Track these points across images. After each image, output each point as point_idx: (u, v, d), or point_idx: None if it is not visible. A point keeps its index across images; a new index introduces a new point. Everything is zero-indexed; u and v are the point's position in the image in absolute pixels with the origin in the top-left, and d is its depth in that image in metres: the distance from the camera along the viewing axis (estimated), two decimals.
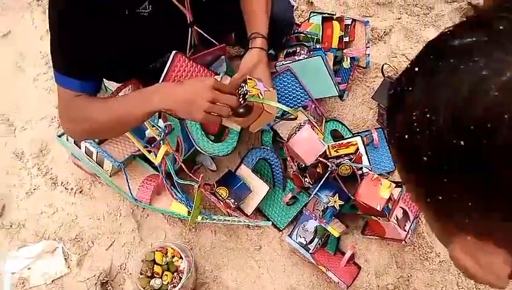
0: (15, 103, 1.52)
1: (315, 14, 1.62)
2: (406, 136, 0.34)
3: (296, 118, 1.27)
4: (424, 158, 0.33)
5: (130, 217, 1.37)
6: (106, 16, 0.95)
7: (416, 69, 0.35)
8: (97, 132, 1.08)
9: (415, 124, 0.33)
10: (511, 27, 0.31)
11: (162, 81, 1.10)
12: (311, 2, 1.73)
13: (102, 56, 1.00)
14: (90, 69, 1.00)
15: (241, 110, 1.04)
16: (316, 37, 1.46)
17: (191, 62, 1.14)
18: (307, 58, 1.30)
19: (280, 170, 1.35)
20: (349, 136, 1.42)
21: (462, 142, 0.30)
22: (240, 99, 1.04)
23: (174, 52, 1.10)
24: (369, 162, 1.36)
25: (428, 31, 1.72)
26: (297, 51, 1.35)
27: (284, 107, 1.10)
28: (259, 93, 1.05)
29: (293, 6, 1.47)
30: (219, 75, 1.19)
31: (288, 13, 1.37)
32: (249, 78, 1.07)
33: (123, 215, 1.37)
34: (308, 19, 1.61)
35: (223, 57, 1.40)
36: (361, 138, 1.36)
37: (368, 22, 1.41)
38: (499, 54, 0.30)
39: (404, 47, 1.67)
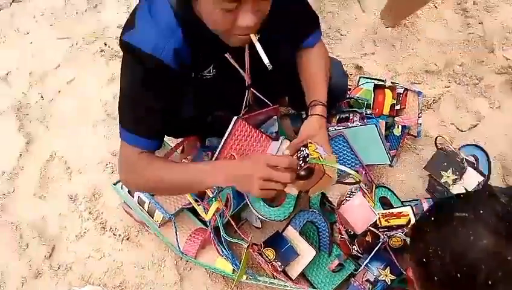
0: (74, 147, 1.59)
1: (364, 78, 1.66)
2: (424, 259, 0.68)
3: (359, 182, 1.25)
4: (433, 272, 0.66)
5: (174, 269, 1.38)
6: (177, 80, 1.01)
7: (432, 219, 0.71)
8: (155, 189, 1.12)
9: (431, 254, 0.66)
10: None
11: (223, 144, 1.13)
12: (360, 67, 1.78)
13: (171, 116, 1.05)
14: (159, 128, 1.05)
15: (302, 172, 1.05)
16: (366, 102, 1.49)
17: (251, 127, 1.18)
18: (360, 125, 1.32)
19: (327, 234, 1.34)
20: (399, 204, 1.41)
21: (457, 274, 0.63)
22: (301, 162, 1.04)
23: (235, 117, 1.15)
24: None
25: (478, 101, 1.73)
26: (351, 117, 1.37)
27: (349, 170, 1.07)
28: (320, 157, 1.06)
29: (347, 74, 1.51)
30: (278, 139, 1.22)
31: (343, 80, 1.41)
32: (309, 142, 1.09)
33: (167, 267, 1.38)
34: (358, 83, 1.66)
35: (274, 117, 1.44)
36: (412, 207, 1.35)
37: (421, 92, 1.43)
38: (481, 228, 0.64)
39: (453, 116, 1.68)
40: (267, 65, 0.92)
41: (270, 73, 1.25)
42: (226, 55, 1.04)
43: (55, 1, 2.03)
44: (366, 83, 1.63)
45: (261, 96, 1.27)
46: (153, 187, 1.08)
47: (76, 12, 2.00)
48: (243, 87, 1.21)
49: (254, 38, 0.89)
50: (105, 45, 1.89)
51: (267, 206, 1.25)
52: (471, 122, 1.66)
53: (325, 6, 1.91)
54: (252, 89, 1.23)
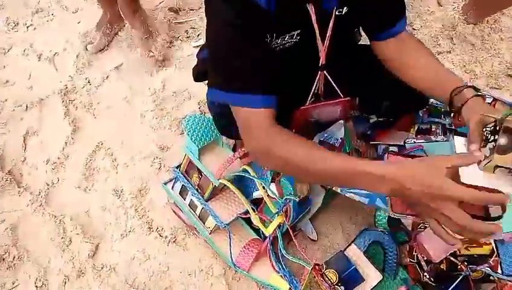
0: (120, 137, 1.50)
1: None
2: None
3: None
4: None
5: (222, 279, 1.28)
6: (264, 32, 0.90)
7: None
8: (289, 171, 0.94)
9: None
10: None
11: None
12: None
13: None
14: (267, 79, 0.88)
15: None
16: (445, 109, 1.33)
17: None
18: (445, 140, 1.16)
19: (395, 256, 1.21)
20: None
21: None
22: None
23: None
24: (500, 261, 1.18)
25: None
26: (433, 129, 1.22)
27: None
28: None
29: None
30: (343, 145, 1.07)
31: None
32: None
33: (215, 275, 1.29)
34: None
35: (341, 121, 1.30)
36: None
37: None
38: None
39: None
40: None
41: (346, 63, 1.12)
42: (310, 8, 0.90)
43: None
44: None
45: (333, 83, 1.11)
46: (290, 169, 0.87)
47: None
48: (315, 69, 1.07)
49: None
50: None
51: None
52: None
53: None
54: (324, 72, 1.07)
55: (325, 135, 1.32)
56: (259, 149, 0.86)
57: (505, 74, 1.58)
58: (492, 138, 0.78)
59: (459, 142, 0.95)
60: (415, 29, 1.66)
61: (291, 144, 0.82)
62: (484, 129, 0.81)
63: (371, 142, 1.38)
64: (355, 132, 1.43)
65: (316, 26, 0.95)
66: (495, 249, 1.14)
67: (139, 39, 1.63)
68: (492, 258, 1.11)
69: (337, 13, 0.97)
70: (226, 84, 0.87)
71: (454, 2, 1.69)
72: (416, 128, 1.26)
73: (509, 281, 1.10)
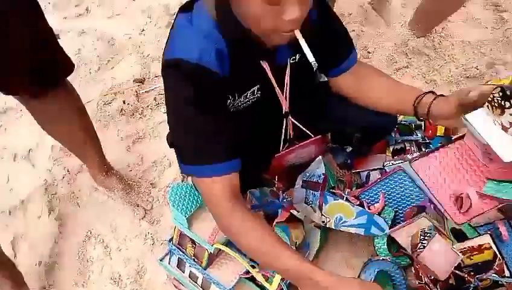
0: (108, 221, 1.49)
1: None
2: None
3: None
4: None
5: None
6: (223, 98, 0.94)
7: None
8: (249, 254, 0.96)
9: None
10: None
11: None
12: None
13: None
14: (230, 144, 0.90)
15: None
16: (414, 124, 1.36)
17: None
18: (419, 158, 1.18)
19: (403, 282, 1.20)
20: (473, 233, 1.26)
21: None
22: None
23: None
24: (505, 262, 1.18)
25: None
26: (408, 148, 1.24)
27: None
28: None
29: None
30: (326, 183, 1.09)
31: None
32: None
33: None
34: None
35: (319, 157, 1.32)
36: (491, 236, 1.20)
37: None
38: None
39: None
40: (312, 64, 0.82)
41: (309, 103, 1.16)
42: (264, 64, 0.94)
43: None
44: None
45: (301, 126, 1.17)
46: (244, 249, 0.90)
47: (90, 72, 1.93)
48: (281, 117, 1.12)
49: (299, 34, 0.80)
50: (124, 102, 1.81)
51: None
52: None
53: (348, 26, 1.79)
54: (290, 117, 1.12)
55: (307, 174, 1.34)
56: (220, 226, 0.91)
57: (464, 77, 1.64)
58: (508, 104, 0.82)
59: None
60: (370, 52, 1.72)
61: (247, 230, 0.85)
62: (491, 97, 0.83)
63: (353, 171, 1.40)
64: (336, 162, 1.45)
65: (272, 79, 0.99)
66: (497, 252, 1.15)
67: (121, 198, 1.52)
68: (496, 263, 1.11)
69: (291, 61, 1.02)
70: (188, 158, 0.89)
71: (400, 21, 1.77)
72: (391, 150, 1.29)
73: None
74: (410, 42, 1.66)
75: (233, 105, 0.99)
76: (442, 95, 0.96)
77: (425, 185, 1.12)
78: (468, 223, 1.29)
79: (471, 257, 1.15)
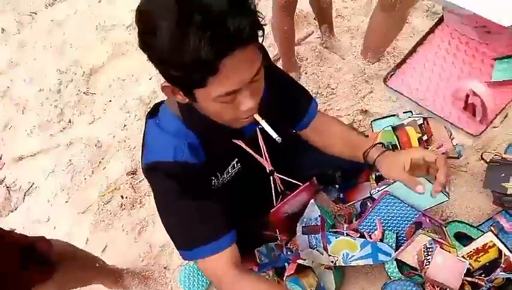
0: None
1: (376, 121, 1.61)
2: None
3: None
4: None
5: None
6: (206, 182, 1.01)
7: None
8: None
9: None
10: None
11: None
12: (366, 110, 1.73)
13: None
14: (222, 221, 0.96)
15: None
16: (391, 144, 1.42)
17: None
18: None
19: None
20: (475, 232, 1.29)
21: None
22: None
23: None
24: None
25: None
26: None
27: None
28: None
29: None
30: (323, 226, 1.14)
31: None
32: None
33: None
34: (372, 129, 1.60)
35: (312, 201, 1.37)
36: (492, 232, 1.23)
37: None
38: None
39: None
40: (276, 139, 0.89)
41: (290, 155, 1.23)
42: (237, 141, 1.02)
43: (62, 178, 2.07)
44: (380, 125, 1.58)
45: (287, 178, 1.24)
46: None
47: (85, 178, 2.03)
48: (267, 176, 1.18)
49: (258, 117, 0.88)
50: (122, 197, 1.89)
51: None
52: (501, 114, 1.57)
53: (306, 69, 1.91)
54: (276, 174, 1.19)
55: (305, 220, 1.39)
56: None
57: None
58: None
59: None
60: (333, 88, 1.83)
61: None
62: None
63: (346, 205, 1.45)
64: (331, 199, 1.50)
65: (249, 150, 1.07)
66: (501, 248, 1.17)
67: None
68: (503, 259, 1.13)
69: (259, 127, 1.10)
70: (184, 244, 0.95)
71: (353, 52, 1.88)
72: (374, 177, 1.34)
73: None
74: (367, 70, 1.77)
75: (219, 182, 1.07)
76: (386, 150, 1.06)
77: (413, 100, 0.97)
78: (470, 225, 1.33)
79: (478, 259, 1.17)
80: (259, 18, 0.74)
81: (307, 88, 1.82)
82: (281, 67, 1.95)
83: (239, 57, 0.70)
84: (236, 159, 1.08)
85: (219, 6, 0.67)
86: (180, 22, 0.67)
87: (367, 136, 1.55)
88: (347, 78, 1.82)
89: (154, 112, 1.00)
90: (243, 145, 1.04)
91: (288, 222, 1.40)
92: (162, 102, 1.01)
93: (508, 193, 1.25)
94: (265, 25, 0.75)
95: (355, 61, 1.83)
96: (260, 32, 0.74)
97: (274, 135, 0.89)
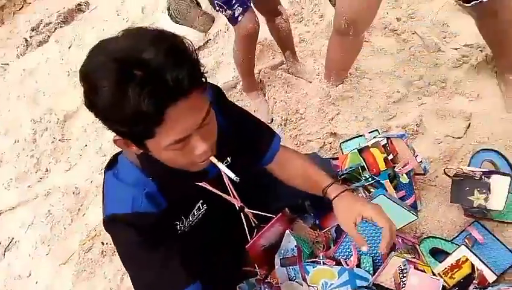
0: None
1: (345, 143, 1.63)
2: None
3: None
4: None
5: None
6: (169, 229, 1.00)
7: None
8: None
9: None
10: None
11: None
12: (334, 133, 1.75)
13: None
14: (183, 272, 0.96)
15: None
16: (360, 167, 1.44)
17: None
18: (370, 201, 1.25)
19: None
20: (450, 246, 1.30)
21: None
22: None
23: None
24: (487, 266, 1.20)
25: (456, 101, 1.69)
26: (359, 195, 1.31)
27: None
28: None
29: (329, 159, 1.49)
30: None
31: (326, 166, 1.37)
32: None
33: None
34: (342, 151, 1.62)
35: (287, 231, 1.37)
36: (466, 245, 1.23)
37: (402, 135, 1.38)
38: None
39: (443, 128, 1.62)
40: (234, 179, 0.90)
41: (258, 190, 1.24)
42: (201, 183, 1.02)
43: (42, 230, 2.05)
44: (348, 147, 1.60)
45: (259, 212, 1.24)
46: None
47: (64, 228, 2.02)
48: (237, 213, 1.19)
49: (214, 159, 0.89)
50: (103, 244, 1.87)
51: None
52: (463, 124, 1.60)
53: (276, 96, 1.93)
54: (246, 210, 1.20)
55: (282, 252, 1.38)
56: None
57: (391, 103, 1.75)
58: None
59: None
60: (301, 114, 1.85)
61: None
62: None
63: (323, 231, 1.45)
64: (308, 226, 1.50)
65: (214, 190, 1.06)
66: (474, 263, 1.18)
67: None
68: (476, 274, 1.14)
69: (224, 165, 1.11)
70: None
71: (317, 75, 1.92)
72: None
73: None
74: (332, 92, 1.80)
75: (185, 226, 1.06)
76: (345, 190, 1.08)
77: None
78: (444, 239, 1.33)
79: (453, 276, 1.18)
80: (201, 67, 0.76)
81: (276, 115, 1.89)
82: (242, 88, 2.00)
83: (182, 106, 0.73)
84: (201, 201, 1.08)
85: (156, 61, 0.69)
86: (119, 80, 0.69)
87: (337, 158, 1.57)
88: (314, 102, 1.85)
89: (112, 163, 1.00)
90: (208, 187, 1.05)
91: (267, 255, 1.39)
92: (120, 152, 1.02)
93: (475, 205, 1.26)
94: (206, 72, 0.78)
95: (319, 84, 1.86)
96: (203, 79, 0.77)
97: (231, 175, 0.90)
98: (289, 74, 1.99)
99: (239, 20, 1.58)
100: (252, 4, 1.61)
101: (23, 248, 2.02)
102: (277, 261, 1.38)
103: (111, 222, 0.94)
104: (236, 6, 1.54)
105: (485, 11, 1.36)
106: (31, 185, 2.23)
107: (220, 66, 2.21)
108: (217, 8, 1.57)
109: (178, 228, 1.04)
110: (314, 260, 1.33)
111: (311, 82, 1.94)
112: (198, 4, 2.01)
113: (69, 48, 3.00)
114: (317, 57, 2.01)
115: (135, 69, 0.68)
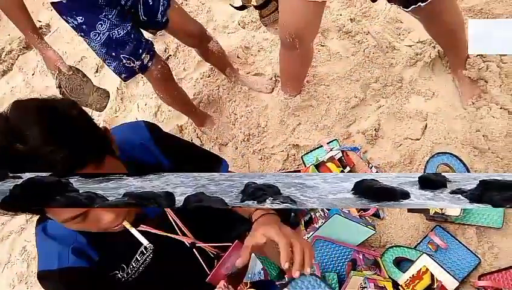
0: None
1: (306, 156, 1.62)
2: None
3: None
4: None
5: None
6: (106, 280, 0.97)
7: None
8: None
9: None
10: None
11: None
12: (297, 145, 1.74)
13: None
14: None
15: None
16: None
17: None
18: (325, 222, 1.25)
19: None
20: (415, 254, 1.30)
21: None
22: None
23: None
24: (448, 272, 1.21)
25: (414, 100, 1.69)
26: (313, 216, 1.31)
27: None
28: None
29: None
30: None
31: None
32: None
33: None
34: (304, 163, 1.62)
35: (253, 255, 1.37)
36: (427, 254, 1.24)
37: (355, 148, 1.38)
38: None
39: (402, 131, 1.63)
40: (146, 246, 0.90)
41: (207, 223, 1.23)
42: (141, 228, 0.95)
43: (18, 268, 2.03)
44: (309, 159, 1.60)
45: (213, 244, 1.22)
46: None
47: None
48: (190, 249, 1.15)
49: (127, 224, 0.86)
50: None
51: None
52: (420, 125, 1.60)
53: (237, 111, 1.91)
54: (198, 244, 1.15)
55: (249, 276, 1.38)
56: None
57: (349, 109, 1.74)
58: None
59: None
60: (263, 127, 1.83)
61: None
62: None
63: None
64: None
65: (159, 232, 1.04)
66: (433, 272, 1.18)
67: None
68: (435, 284, 1.15)
69: None
70: None
71: (276, 86, 1.90)
72: (303, 223, 1.35)
73: None
74: (290, 103, 1.78)
75: (129, 274, 1.03)
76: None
77: None
78: (406, 247, 1.34)
79: (415, 288, 1.18)
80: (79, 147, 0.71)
81: (239, 131, 1.87)
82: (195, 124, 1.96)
83: None
84: (143, 246, 1.05)
85: (34, 141, 0.67)
86: None
87: (299, 171, 1.57)
88: (275, 114, 1.83)
89: (43, 217, 0.98)
90: (151, 230, 1.00)
91: (234, 282, 1.39)
92: None
93: (431, 213, 1.27)
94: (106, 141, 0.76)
95: (278, 97, 1.84)
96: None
97: (145, 242, 0.89)
98: (249, 89, 1.96)
99: (149, 66, 1.53)
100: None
101: (1, 288, 2.01)
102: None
103: (41, 280, 0.92)
104: (144, 54, 1.49)
105: (426, 14, 1.35)
106: (3, 223, 2.20)
107: (181, 82, 2.18)
108: (124, 62, 1.48)
109: (120, 277, 1.02)
110: (281, 282, 1.33)
111: (271, 94, 1.92)
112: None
113: (33, 74, 2.95)
114: (275, 66, 1.98)
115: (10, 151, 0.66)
